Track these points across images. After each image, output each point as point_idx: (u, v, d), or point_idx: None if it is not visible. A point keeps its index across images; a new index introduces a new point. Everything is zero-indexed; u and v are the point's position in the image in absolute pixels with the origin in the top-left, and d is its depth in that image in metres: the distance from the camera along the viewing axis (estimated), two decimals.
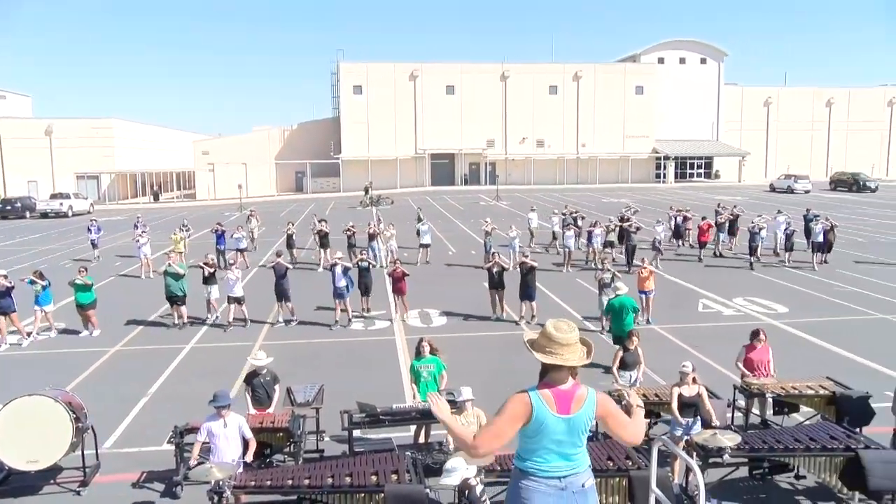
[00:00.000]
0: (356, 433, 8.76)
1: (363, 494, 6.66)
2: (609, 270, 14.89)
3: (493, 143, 65.49)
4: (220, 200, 56.48)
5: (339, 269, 15.64)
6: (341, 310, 15.89)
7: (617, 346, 12.12)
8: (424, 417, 8.74)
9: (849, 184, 57.48)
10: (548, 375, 3.84)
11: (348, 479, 6.79)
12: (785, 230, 23.29)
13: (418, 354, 9.48)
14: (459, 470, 5.67)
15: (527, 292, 15.69)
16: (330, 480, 6.79)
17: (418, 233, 24.58)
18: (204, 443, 7.47)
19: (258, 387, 8.90)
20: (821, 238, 22.14)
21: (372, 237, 23.69)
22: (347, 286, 15.77)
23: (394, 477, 6.83)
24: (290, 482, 6.86)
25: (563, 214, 26.55)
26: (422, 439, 9.00)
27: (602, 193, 56.04)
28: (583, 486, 3.88)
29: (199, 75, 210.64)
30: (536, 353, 3.83)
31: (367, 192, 50.49)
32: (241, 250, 24.25)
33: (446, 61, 65.14)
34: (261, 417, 8.54)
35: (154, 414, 10.75)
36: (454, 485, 5.69)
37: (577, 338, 3.84)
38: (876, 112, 73.98)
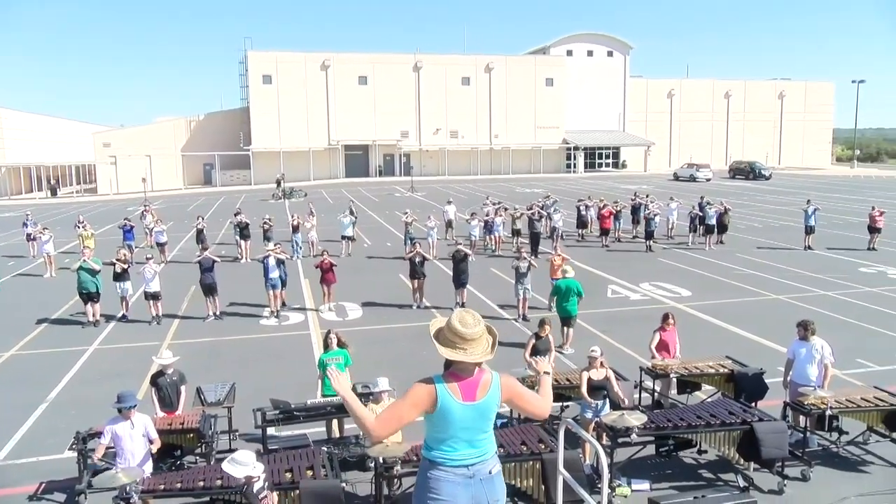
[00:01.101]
0: (270, 431, 8.60)
1: (278, 492, 6.54)
2: (525, 259, 15.14)
3: (408, 134, 65.38)
4: (124, 195, 54.04)
5: (271, 261, 15.68)
6: (282, 302, 16.24)
7: (564, 327, 12.68)
8: (339, 412, 8.68)
9: (746, 172, 60.68)
10: (454, 365, 3.83)
11: None
12: (689, 214, 25.61)
13: (326, 347, 9.45)
14: (248, 465, 5.56)
15: (460, 279, 16.10)
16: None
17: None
18: (108, 447, 7.14)
19: (164, 387, 8.58)
20: (713, 221, 24.35)
21: (295, 229, 23.31)
22: (280, 277, 15.89)
23: (309, 473, 6.76)
24: (201, 483, 6.67)
25: (494, 205, 27.01)
26: (336, 433, 8.93)
27: (515, 184, 56.95)
28: (490, 472, 3.89)
29: (98, 63, 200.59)
30: (441, 348, 3.80)
31: (279, 184, 49.47)
32: (162, 244, 23.39)
33: (358, 51, 64.65)
34: (169, 419, 8.25)
35: (54, 421, 10.19)
36: (237, 476, 5.59)
37: (483, 330, 3.81)
38: (768, 104, 78.36)
